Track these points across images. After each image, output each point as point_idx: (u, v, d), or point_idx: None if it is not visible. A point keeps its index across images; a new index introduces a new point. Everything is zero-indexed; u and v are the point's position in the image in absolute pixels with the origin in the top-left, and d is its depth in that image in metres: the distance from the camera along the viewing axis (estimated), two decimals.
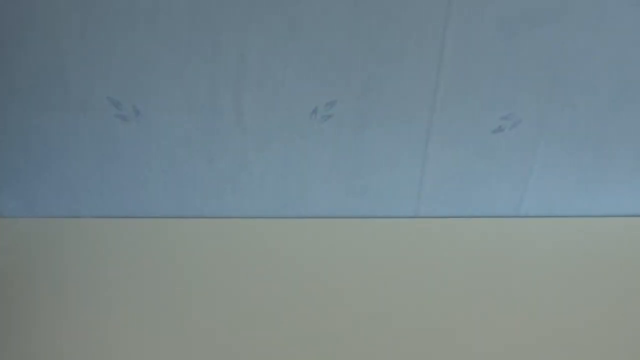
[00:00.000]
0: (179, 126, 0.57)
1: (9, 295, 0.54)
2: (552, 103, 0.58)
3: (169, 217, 0.63)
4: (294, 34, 0.52)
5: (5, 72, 0.52)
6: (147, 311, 0.53)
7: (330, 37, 0.52)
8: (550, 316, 0.53)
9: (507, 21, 0.52)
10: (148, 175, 0.60)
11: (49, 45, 0.51)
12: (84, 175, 0.60)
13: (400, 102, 0.57)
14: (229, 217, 0.64)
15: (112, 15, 0.50)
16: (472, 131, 0.59)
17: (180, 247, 0.60)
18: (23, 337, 0.50)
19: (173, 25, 0.51)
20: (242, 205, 0.63)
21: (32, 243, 0.59)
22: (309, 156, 0.60)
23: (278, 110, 0.56)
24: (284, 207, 0.64)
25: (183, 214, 0.63)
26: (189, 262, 0.58)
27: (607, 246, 0.61)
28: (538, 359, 0.49)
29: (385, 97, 0.56)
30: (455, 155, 0.60)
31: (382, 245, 0.61)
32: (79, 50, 0.51)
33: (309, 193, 0.63)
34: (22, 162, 0.58)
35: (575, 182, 0.63)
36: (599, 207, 0.65)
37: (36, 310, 0.52)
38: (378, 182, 0.62)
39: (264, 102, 0.56)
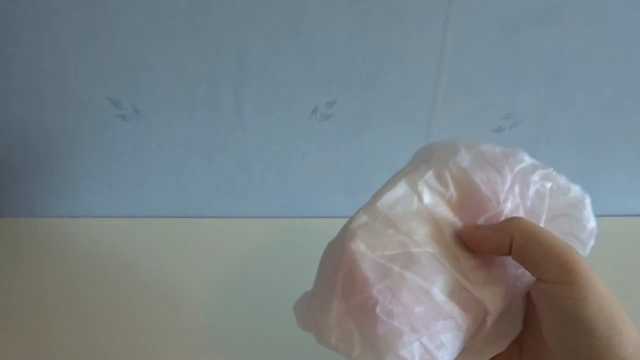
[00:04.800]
0: (179, 126, 0.57)
1: (9, 295, 0.54)
2: (552, 103, 0.58)
3: (168, 217, 0.63)
4: (294, 34, 0.52)
5: (5, 72, 0.52)
6: (146, 311, 0.53)
7: (330, 37, 0.52)
8: None
9: (507, 21, 0.52)
10: (148, 175, 0.60)
11: (49, 45, 0.51)
12: (83, 175, 0.60)
13: (400, 102, 0.57)
14: (229, 217, 0.64)
15: (112, 15, 0.50)
16: (472, 131, 0.59)
17: (180, 247, 0.60)
18: (23, 336, 0.50)
19: (173, 25, 0.51)
20: (242, 205, 0.63)
21: (32, 243, 0.59)
22: (309, 156, 0.60)
23: (278, 110, 0.56)
24: (284, 207, 0.64)
25: (183, 214, 0.63)
26: (188, 262, 0.58)
27: (607, 246, 0.61)
28: None
29: (385, 97, 0.56)
30: None
31: None
32: (79, 50, 0.51)
33: (309, 193, 0.63)
34: (22, 162, 0.58)
35: (575, 182, 0.63)
36: (599, 206, 0.65)
37: (36, 310, 0.53)
38: (378, 182, 0.61)
39: (264, 102, 0.56)
